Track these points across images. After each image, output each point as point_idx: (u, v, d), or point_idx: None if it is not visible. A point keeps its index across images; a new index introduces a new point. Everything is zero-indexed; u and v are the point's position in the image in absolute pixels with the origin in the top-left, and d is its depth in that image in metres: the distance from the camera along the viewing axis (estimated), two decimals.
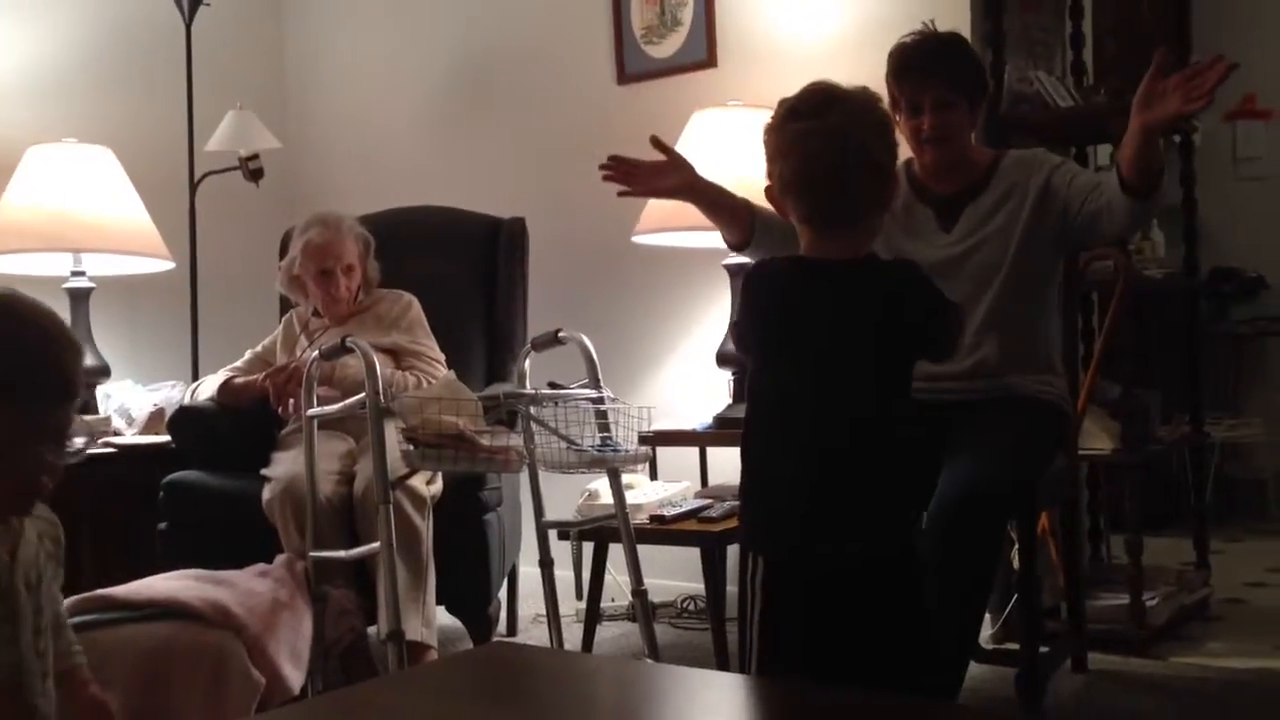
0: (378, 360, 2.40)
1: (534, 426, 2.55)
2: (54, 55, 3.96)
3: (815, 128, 1.75)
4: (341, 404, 2.52)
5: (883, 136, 1.80)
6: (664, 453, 3.33)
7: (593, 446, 2.52)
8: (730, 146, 3.19)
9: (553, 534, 2.77)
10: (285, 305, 3.43)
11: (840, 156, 1.74)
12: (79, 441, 1.34)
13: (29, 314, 1.33)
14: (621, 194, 2.62)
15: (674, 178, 2.57)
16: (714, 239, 3.25)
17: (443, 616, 2.90)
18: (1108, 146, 3.44)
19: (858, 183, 1.75)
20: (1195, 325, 3.73)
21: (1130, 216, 2.36)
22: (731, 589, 3.08)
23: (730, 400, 3.26)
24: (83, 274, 3.50)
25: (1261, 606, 3.55)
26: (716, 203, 2.59)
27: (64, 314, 3.49)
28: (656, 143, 2.57)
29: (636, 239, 3.41)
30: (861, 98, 1.80)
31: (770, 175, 1.85)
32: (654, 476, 3.30)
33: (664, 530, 2.89)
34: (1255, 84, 5.12)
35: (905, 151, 2.66)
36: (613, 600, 3.41)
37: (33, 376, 1.28)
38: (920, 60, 2.51)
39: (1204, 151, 4.48)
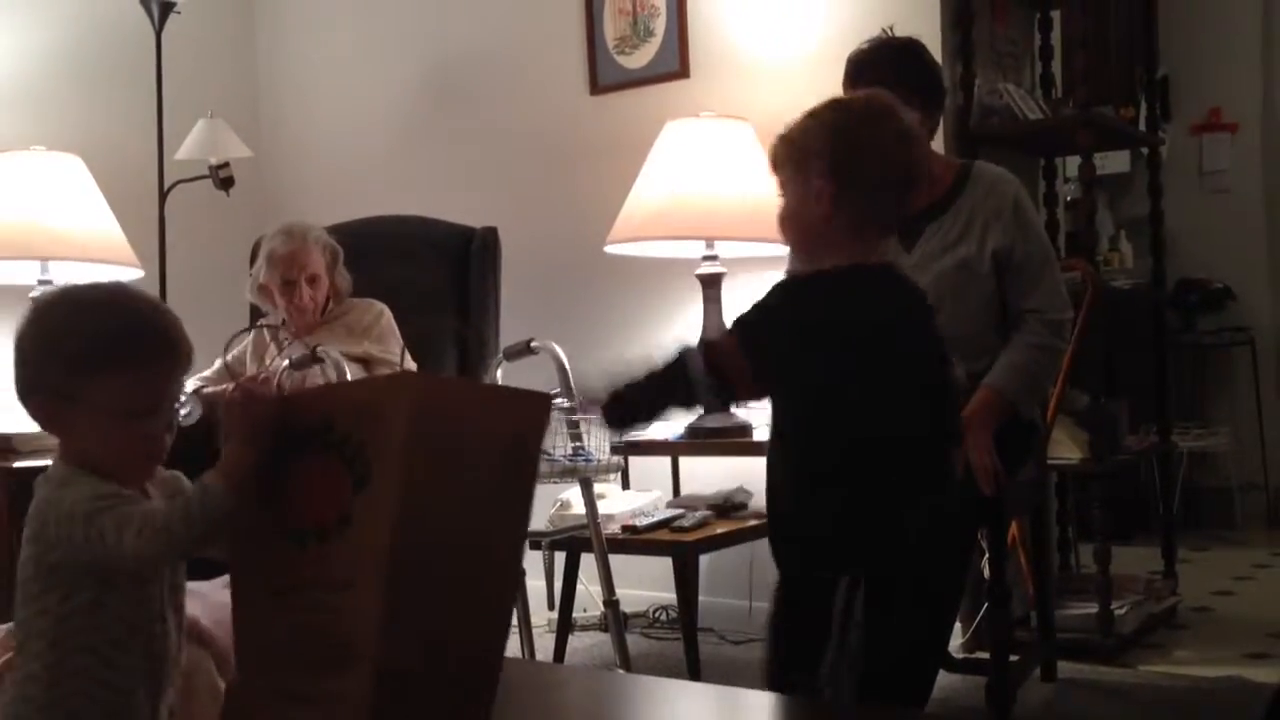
0: (349, 370, 2.39)
1: None
2: (22, 62, 3.93)
3: (895, 130, 1.75)
4: None
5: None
6: (636, 462, 3.32)
7: (564, 456, 2.52)
8: (702, 157, 3.21)
9: (525, 544, 2.76)
10: (255, 315, 3.42)
11: (917, 160, 1.78)
12: (186, 408, 1.39)
13: (136, 292, 1.44)
14: None
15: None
16: (686, 249, 3.27)
17: None
18: (1076, 158, 3.47)
19: (917, 187, 1.80)
20: (1162, 335, 3.77)
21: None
22: (704, 599, 3.09)
23: (701, 410, 3.26)
24: (50, 282, 3.46)
25: (1229, 615, 3.58)
26: None
27: None
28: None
29: (609, 249, 3.41)
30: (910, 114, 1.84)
31: (837, 176, 1.74)
32: (626, 486, 3.30)
33: (636, 540, 2.88)
34: (1221, 98, 5.19)
35: None
36: (585, 610, 3.41)
37: (155, 342, 1.37)
38: (872, 64, 2.53)
39: (1171, 164, 4.54)
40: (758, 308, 1.76)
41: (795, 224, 1.78)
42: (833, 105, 1.80)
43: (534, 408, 1.42)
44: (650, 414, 1.84)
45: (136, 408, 1.35)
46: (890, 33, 2.63)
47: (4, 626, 1.95)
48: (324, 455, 1.32)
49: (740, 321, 1.76)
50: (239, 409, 1.35)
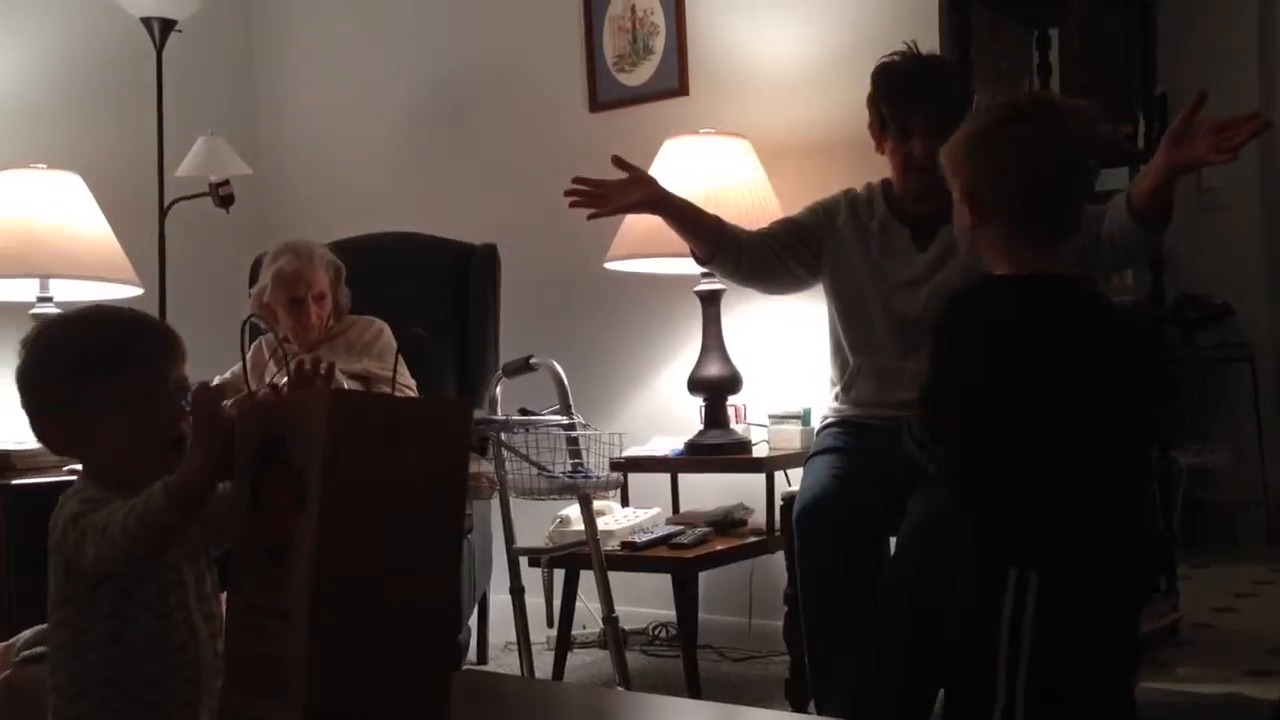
0: (348, 387, 2.39)
1: (505, 453, 2.54)
2: (23, 80, 3.94)
3: (1053, 134, 1.69)
4: None
5: (1093, 152, 1.77)
6: (635, 479, 3.32)
7: (564, 473, 2.52)
8: (702, 174, 3.21)
9: (523, 561, 2.76)
10: (255, 333, 3.42)
11: (1075, 162, 1.71)
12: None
13: (111, 305, 1.55)
14: (591, 216, 2.63)
15: (639, 193, 2.59)
16: (686, 266, 3.26)
17: None
18: None
19: (1080, 192, 1.73)
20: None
21: (1137, 246, 2.34)
22: (704, 616, 3.08)
23: (701, 426, 3.26)
24: (50, 299, 3.47)
25: (1230, 631, 3.57)
26: (685, 216, 2.62)
27: None
28: (618, 162, 2.58)
29: (608, 266, 3.41)
30: (1082, 109, 1.75)
31: (976, 184, 1.72)
32: (625, 503, 3.30)
33: (635, 557, 2.88)
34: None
35: (883, 171, 2.70)
36: (584, 627, 3.40)
37: (141, 333, 1.44)
38: (913, 84, 2.52)
39: None
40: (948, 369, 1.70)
41: (960, 237, 1.77)
42: (980, 114, 1.79)
43: (456, 414, 1.41)
44: None
45: (136, 398, 1.39)
46: (914, 47, 2.62)
47: (2, 644, 1.95)
48: (283, 470, 1.30)
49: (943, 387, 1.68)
50: (195, 422, 1.36)
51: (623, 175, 2.60)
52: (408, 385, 3.15)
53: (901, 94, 2.52)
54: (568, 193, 2.58)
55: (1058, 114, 1.72)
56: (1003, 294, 1.69)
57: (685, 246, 3.05)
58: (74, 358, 1.40)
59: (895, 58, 2.59)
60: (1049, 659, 1.56)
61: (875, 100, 2.61)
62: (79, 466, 1.44)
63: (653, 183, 2.60)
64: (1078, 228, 1.76)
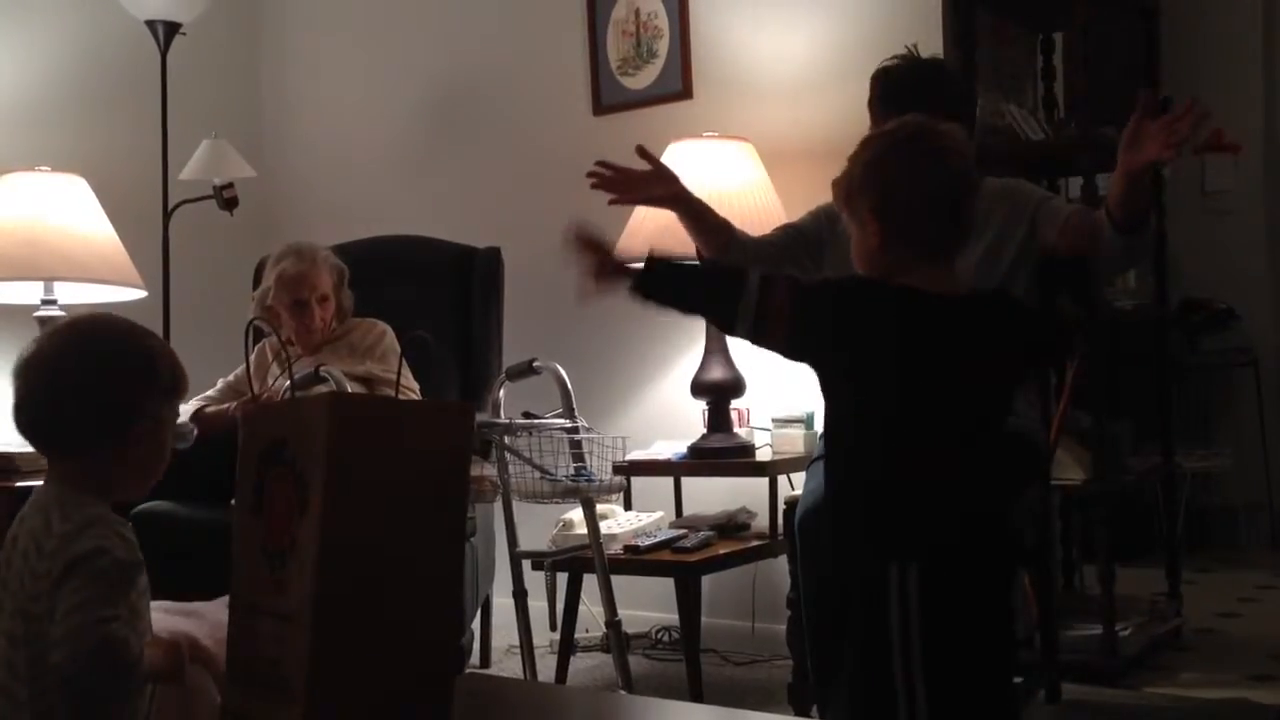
0: (351, 389, 2.39)
1: (508, 456, 2.54)
2: (28, 83, 3.95)
3: (937, 154, 1.76)
4: None
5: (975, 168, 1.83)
6: (638, 483, 3.32)
7: (567, 476, 2.52)
8: (706, 177, 3.21)
9: (526, 564, 2.76)
10: (257, 335, 3.42)
11: (963, 183, 1.77)
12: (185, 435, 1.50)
13: (138, 327, 1.51)
14: (612, 202, 2.63)
15: (662, 188, 2.59)
16: None
17: None
18: (1078, 179, 3.48)
19: (970, 210, 1.78)
20: (1165, 356, 3.76)
21: (1120, 253, 2.37)
22: (707, 620, 3.08)
23: (705, 430, 3.26)
24: (54, 302, 3.47)
25: (1234, 636, 3.56)
26: (700, 216, 2.62)
27: None
28: (642, 152, 2.59)
29: None
30: (960, 132, 1.82)
31: (868, 209, 1.77)
32: (628, 506, 3.30)
33: (638, 560, 2.88)
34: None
35: None
36: (587, 631, 3.40)
37: (170, 372, 1.45)
38: (908, 87, 2.52)
39: (1173, 185, 4.54)
40: (826, 280, 1.80)
41: (860, 262, 1.81)
42: (865, 141, 1.82)
43: (458, 417, 1.40)
44: (677, 298, 1.81)
45: (171, 422, 1.47)
46: (914, 51, 2.63)
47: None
48: (285, 472, 1.30)
49: (801, 283, 1.76)
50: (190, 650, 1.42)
51: (644, 166, 2.60)
52: (410, 388, 3.15)
53: (896, 96, 2.53)
54: (590, 174, 2.57)
55: (943, 137, 1.78)
56: (884, 300, 1.75)
57: (689, 249, 3.05)
58: (148, 367, 1.42)
59: (894, 62, 2.60)
60: (937, 645, 1.64)
61: (872, 104, 2.62)
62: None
63: (675, 180, 2.61)
64: (966, 240, 1.83)
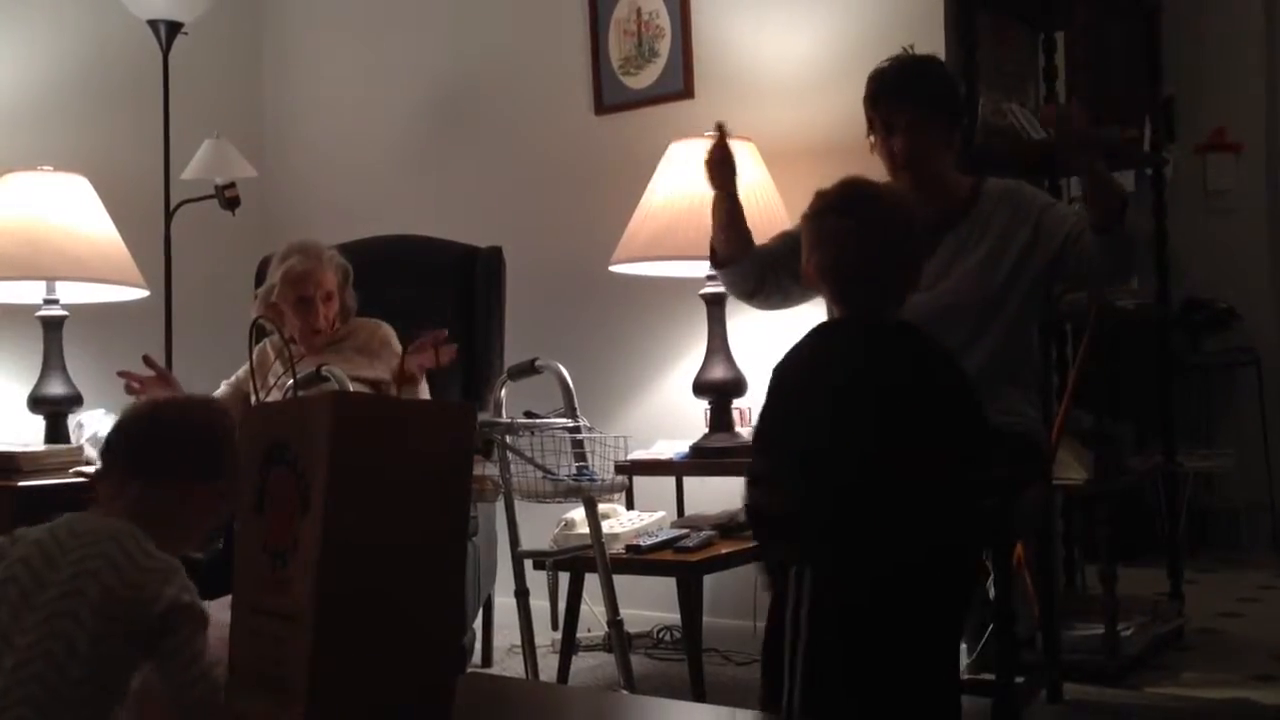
0: (354, 390, 2.39)
1: (510, 455, 2.54)
2: (30, 82, 3.95)
3: (850, 226, 1.91)
4: None
5: (910, 233, 1.95)
6: (640, 482, 3.32)
7: (569, 475, 2.52)
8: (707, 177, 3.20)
9: (528, 564, 2.76)
10: (260, 334, 3.42)
11: (874, 253, 1.90)
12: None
13: (213, 406, 1.72)
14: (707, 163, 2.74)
15: (720, 178, 2.72)
16: (691, 269, 3.27)
17: None
18: (1079, 179, 3.48)
19: (888, 276, 1.91)
20: (1167, 356, 3.76)
21: (1103, 254, 2.40)
22: (709, 619, 3.07)
23: (707, 430, 3.26)
24: (56, 302, 3.48)
25: (1235, 636, 3.56)
26: (735, 218, 2.70)
27: (36, 342, 3.48)
28: (720, 128, 2.74)
29: (614, 268, 3.41)
30: (892, 197, 1.96)
31: (806, 259, 2.00)
32: (630, 506, 3.30)
33: (640, 560, 2.88)
34: (1225, 118, 5.19)
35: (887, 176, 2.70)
36: (589, 631, 3.40)
37: (231, 458, 1.53)
38: (894, 82, 2.55)
39: (1175, 184, 4.54)
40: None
41: (818, 291, 2.05)
42: (815, 198, 2.00)
43: (460, 417, 1.40)
44: None
45: (213, 511, 1.62)
46: (910, 51, 2.65)
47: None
48: (287, 472, 1.30)
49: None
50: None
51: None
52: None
53: (884, 93, 2.56)
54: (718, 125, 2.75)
55: (864, 203, 1.94)
56: (802, 343, 1.94)
57: (690, 250, 3.06)
58: (230, 437, 1.55)
59: (886, 62, 2.61)
60: (819, 647, 1.77)
61: (864, 102, 2.63)
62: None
63: (734, 178, 2.72)
64: (904, 295, 1.96)
